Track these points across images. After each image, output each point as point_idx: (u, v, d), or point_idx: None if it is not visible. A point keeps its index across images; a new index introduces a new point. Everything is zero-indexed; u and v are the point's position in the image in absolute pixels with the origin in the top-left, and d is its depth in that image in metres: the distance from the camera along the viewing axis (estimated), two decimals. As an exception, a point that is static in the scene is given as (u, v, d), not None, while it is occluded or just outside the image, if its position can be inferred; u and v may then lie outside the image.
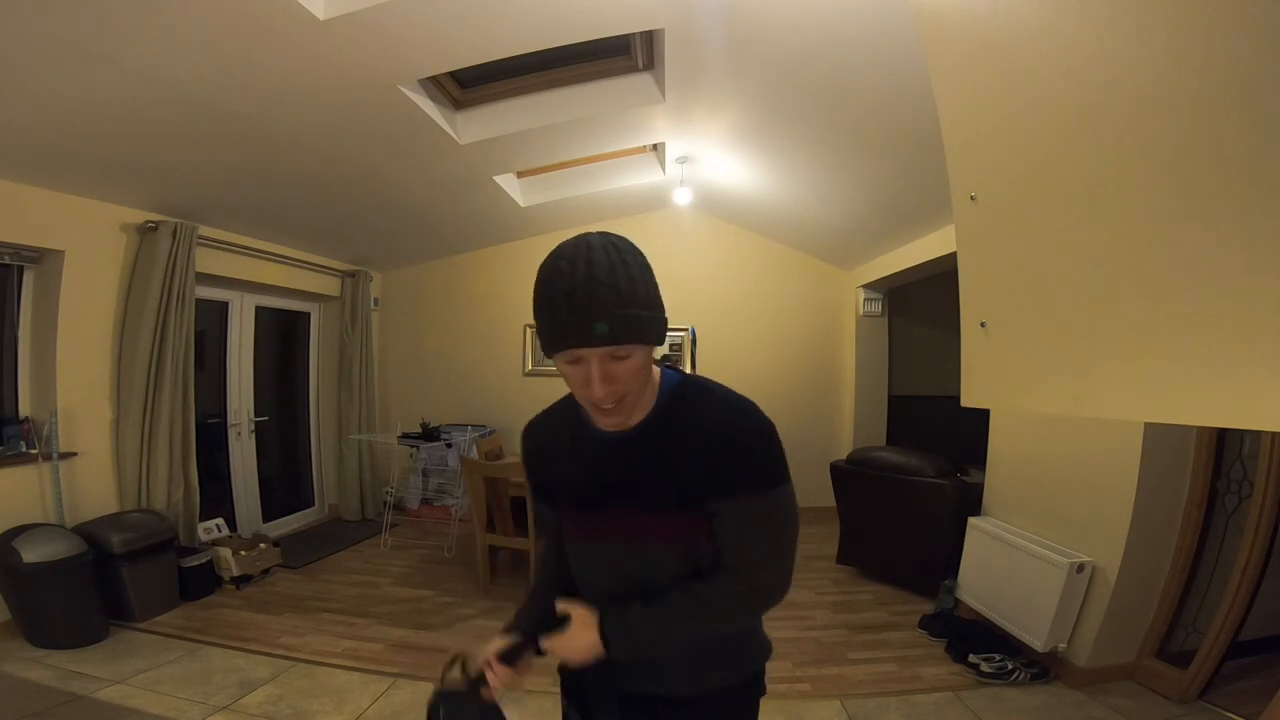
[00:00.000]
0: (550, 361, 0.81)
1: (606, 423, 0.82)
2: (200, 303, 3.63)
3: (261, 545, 3.57)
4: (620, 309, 0.71)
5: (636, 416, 0.84)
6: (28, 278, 2.99)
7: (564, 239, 0.77)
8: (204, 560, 3.28)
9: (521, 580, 3.56)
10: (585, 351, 0.73)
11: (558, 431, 0.95)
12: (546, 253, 0.76)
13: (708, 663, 0.91)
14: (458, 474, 4.42)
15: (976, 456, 3.32)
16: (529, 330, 5.28)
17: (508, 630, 0.92)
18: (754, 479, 0.80)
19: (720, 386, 0.87)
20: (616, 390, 0.76)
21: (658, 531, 0.84)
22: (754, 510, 0.80)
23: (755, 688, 0.97)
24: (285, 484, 4.84)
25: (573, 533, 0.93)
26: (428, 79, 2.68)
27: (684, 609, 0.82)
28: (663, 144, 3.80)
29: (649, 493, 0.83)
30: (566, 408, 0.94)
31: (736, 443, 0.79)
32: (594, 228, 0.77)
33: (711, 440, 0.79)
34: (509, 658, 0.87)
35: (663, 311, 0.78)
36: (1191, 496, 2.32)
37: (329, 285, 4.88)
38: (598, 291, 0.70)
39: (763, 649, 0.98)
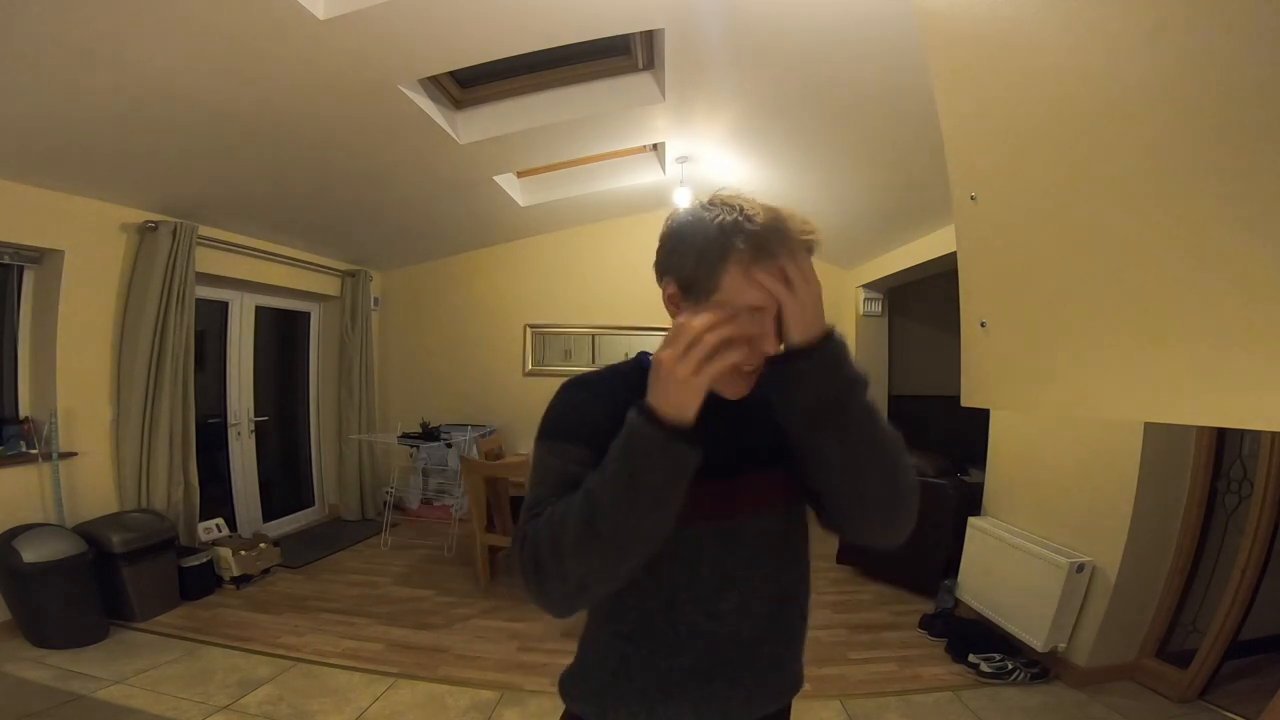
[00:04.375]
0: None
1: (740, 391, 0.74)
2: (200, 303, 3.63)
3: (261, 545, 3.57)
4: None
5: None
6: (28, 278, 2.99)
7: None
8: (204, 560, 3.27)
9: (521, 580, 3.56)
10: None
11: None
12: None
13: (770, 682, 0.82)
14: (458, 474, 4.42)
15: (976, 456, 3.32)
16: (529, 330, 5.28)
17: None
18: None
19: None
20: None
21: (773, 490, 0.78)
22: None
23: None
24: (285, 484, 4.84)
25: (687, 511, 0.71)
26: (428, 78, 2.68)
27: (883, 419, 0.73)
28: (663, 144, 3.80)
29: (769, 451, 0.78)
30: (638, 371, 0.74)
31: None
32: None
33: None
34: None
35: None
36: (1191, 496, 2.32)
37: (329, 285, 4.88)
38: None
39: (802, 673, 0.89)
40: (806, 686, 0.90)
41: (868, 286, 4.94)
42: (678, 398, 0.62)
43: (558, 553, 0.64)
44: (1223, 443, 2.33)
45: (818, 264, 0.71)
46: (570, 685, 0.85)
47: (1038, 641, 2.46)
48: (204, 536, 3.47)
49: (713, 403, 0.70)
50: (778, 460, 0.78)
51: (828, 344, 0.67)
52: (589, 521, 0.63)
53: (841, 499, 0.74)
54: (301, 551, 4.02)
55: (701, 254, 0.69)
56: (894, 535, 0.75)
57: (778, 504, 0.79)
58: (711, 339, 0.61)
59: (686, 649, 0.76)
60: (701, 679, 0.77)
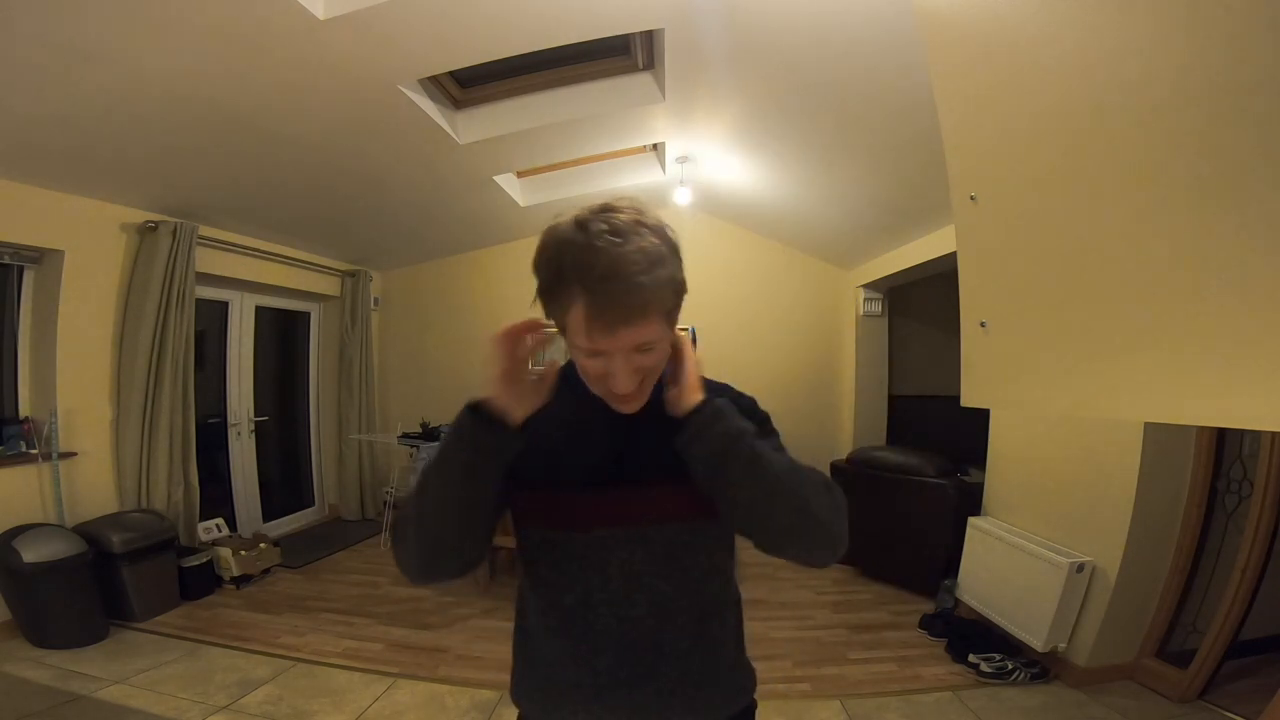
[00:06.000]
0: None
1: (630, 409, 0.77)
2: (200, 303, 3.63)
3: (261, 545, 3.57)
4: None
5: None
6: (28, 278, 2.99)
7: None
8: (204, 560, 3.28)
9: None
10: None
11: (552, 402, 0.80)
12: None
13: (706, 695, 0.84)
14: (458, 474, 4.41)
15: (976, 456, 3.32)
16: (529, 330, 5.29)
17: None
18: (766, 424, 0.84)
19: None
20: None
21: (681, 503, 0.79)
22: (778, 444, 0.81)
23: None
24: (285, 484, 4.84)
25: (570, 520, 0.79)
26: (428, 79, 2.68)
27: (782, 458, 0.75)
28: (663, 144, 3.80)
29: (671, 464, 0.77)
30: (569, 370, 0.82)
31: (743, 402, 0.85)
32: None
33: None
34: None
35: None
36: (1191, 496, 2.32)
37: (329, 285, 4.88)
38: None
39: (751, 677, 0.92)
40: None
41: (868, 286, 4.94)
42: (494, 395, 0.73)
43: (406, 521, 0.74)
44: (1223, 443, 2.32)
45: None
46: (517, 688, 0.87)
47: (1038, 641, 2.46)
48: (204, 536, 3.47)
49: (608, 416, 0.79)
50: (682, 473, 0.78)
51: (704, 407, 0.74)
52: (419, 491, 0.73)
53: (757, 533, 0.76)
54: (301, 551, 4.02)
55: (549, 289, 0.73)
56: (820, 558, 0.77)
57: (684, 516, 0.80)
58: (502, 353, 0.73)
59: (606, 649, 0.79)
60: (628, 686, 0.79)
